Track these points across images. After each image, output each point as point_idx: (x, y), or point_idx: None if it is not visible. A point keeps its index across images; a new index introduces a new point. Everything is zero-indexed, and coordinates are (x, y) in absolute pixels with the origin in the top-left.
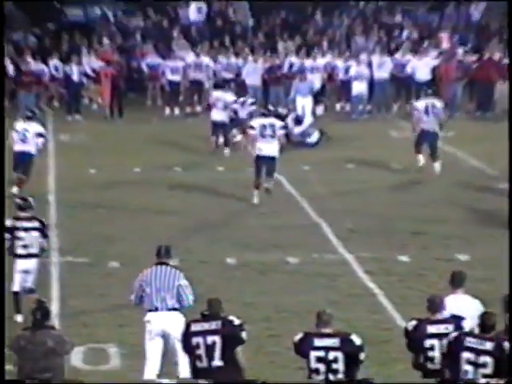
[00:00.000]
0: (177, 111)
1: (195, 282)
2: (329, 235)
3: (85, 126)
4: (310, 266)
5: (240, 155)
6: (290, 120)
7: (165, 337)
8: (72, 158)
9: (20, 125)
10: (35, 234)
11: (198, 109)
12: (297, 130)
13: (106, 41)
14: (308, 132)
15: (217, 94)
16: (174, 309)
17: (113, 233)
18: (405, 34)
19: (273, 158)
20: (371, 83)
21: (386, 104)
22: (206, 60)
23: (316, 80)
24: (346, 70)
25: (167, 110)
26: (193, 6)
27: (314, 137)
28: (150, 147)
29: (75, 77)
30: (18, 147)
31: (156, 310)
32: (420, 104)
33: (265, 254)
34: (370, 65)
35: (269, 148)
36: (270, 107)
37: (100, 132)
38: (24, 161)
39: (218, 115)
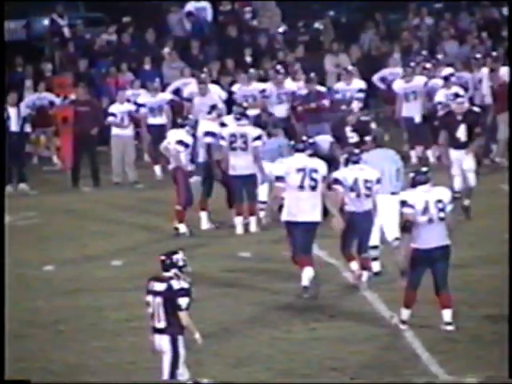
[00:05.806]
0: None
1: None
2: (417, 350)
3: (35, 201)
4: None
5: None
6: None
7: None
8: (18, 249)
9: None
10: None
11: None
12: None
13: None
14: None
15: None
16: None
17: None
18: None
19: (250, 176)
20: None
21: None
22: (215, 90)
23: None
24: (429, 94)
25: (158, 171)
26: (190, 6)
27: None
28: (136, 228)
29: (13, 125)
30: None
31: None
32: None
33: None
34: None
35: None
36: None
37: (58, 208)
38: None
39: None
